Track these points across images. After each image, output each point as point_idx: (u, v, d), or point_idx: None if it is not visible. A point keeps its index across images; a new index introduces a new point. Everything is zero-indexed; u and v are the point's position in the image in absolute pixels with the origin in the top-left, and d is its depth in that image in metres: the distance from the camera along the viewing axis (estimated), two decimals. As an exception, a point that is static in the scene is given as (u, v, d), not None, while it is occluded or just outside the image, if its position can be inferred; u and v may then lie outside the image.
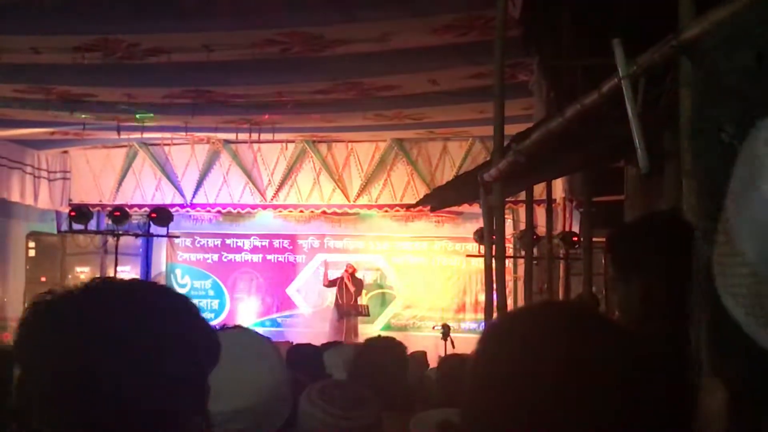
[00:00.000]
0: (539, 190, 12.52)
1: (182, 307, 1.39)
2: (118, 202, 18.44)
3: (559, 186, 14.39)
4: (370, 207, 18.73)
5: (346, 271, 17.51)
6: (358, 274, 17.89)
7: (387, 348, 4.57)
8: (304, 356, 6.08)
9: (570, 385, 1.05)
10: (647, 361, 1.10)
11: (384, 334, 16.40)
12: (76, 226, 15.57)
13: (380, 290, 19.10)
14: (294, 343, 11.34)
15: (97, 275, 18.55)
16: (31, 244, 18.40)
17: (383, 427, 3.21)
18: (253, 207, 19.13)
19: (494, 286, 8.53)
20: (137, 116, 14.13)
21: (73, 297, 1.34)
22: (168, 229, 16.00)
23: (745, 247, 0.77)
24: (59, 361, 1.27)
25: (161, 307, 1.36)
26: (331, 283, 17.49)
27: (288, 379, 2.43)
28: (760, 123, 0.79)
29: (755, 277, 0.76)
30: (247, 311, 19.03)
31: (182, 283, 19.26)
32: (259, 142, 17.58)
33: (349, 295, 17.15)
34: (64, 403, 1.27)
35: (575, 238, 13.39)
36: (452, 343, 14.70)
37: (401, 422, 3.98)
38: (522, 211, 14.65)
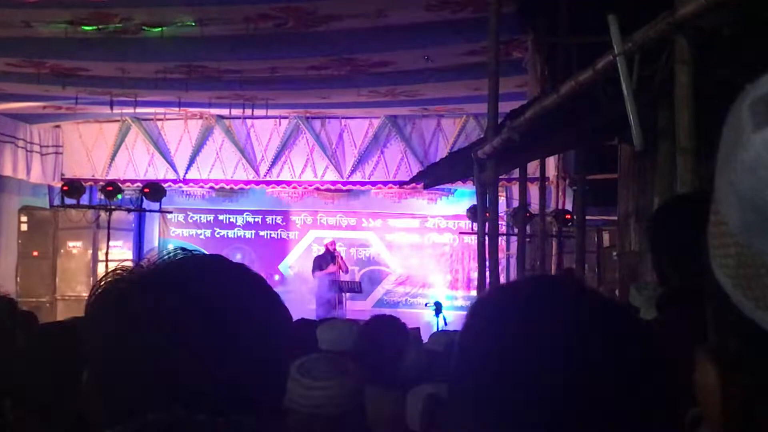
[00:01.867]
0: (533, 167, 12.53)
1: (264, 291, 1.38)
2: (110, 177, 18.39)
3: (552, 164, 14.41)
4: (363, 183, 18.71)
5: (331, 246, 17.41)
6: (344, 250, 17.84)
7: (390, 327, 4.59)
8: (301, 331, 6.10)
9: (556, 358, 1.05)
10: (634, 333, 1.10)
11: (376, 310, 16.47)
12: (69, 201, 15.56)
13: (373, 267, 19.12)
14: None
15: (90, 250, 18.64)
16: (24, 219, 18.36)
17: (375, 400, 3.22)
18: (246, 183, 19.08)
19: (487, 263, 8.57)
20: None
21: (150, 275, 1.32)
22: (161, 205, 16.00)
23: (728, 216, 0.76)
24: (130, 347, 1.25)
25: (251, 290, 1.34)
26: (323, 262, 17.39)
27: None
28: (748, 86, 0.78)
29: (738, 247, 0.75)
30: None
31: (175, 259, 19.18)
32: (252, 117, 17.54)
33: (336, 271, 17.12)
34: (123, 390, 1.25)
35: (568, 216, 13.41)
36: (444, 319, 14.73)
37: (397, 399, 3.99)
38: (515, 188, 14.67)
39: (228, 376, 1.24)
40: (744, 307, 0.76)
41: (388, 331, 4.53)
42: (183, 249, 1.38)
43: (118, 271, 1.32)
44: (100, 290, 1.31)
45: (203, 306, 1.26)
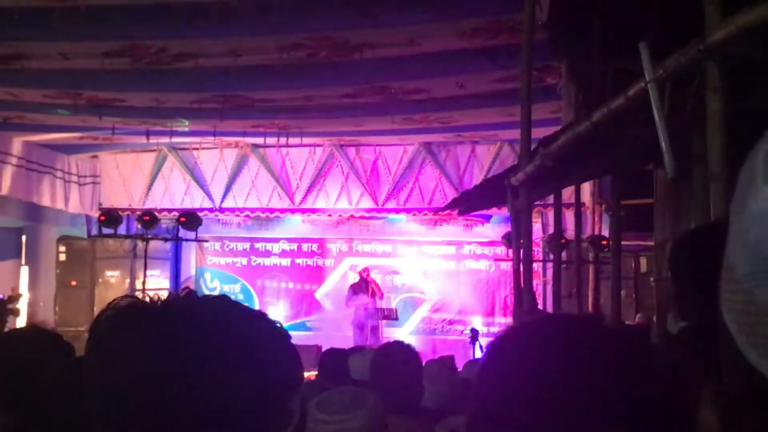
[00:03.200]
0: (568, 193, 12.47)
1: (267, 332, 1.37)
2: (147, 206, 18.55)
3: (587, 189, 14.33)
4: (398, 211, 18.71)
5: (365, 273, 17.41)
6: (380, 277, 17.83)
7: (399, 353, 4.58)
8: (332, 361, 6.10)
9: (570, 399, 1.04)
10: (649, 372, 1.09)
11: (412, 338, 16.42)
12: (106, 231, 15.67)
13: (409, 294, 19.07)
14: (321, 348, 11.36)
15: (127, 279, 18.76)
16: (62, 248, 18.53)
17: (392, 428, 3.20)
18: (282, 211, 19.16)
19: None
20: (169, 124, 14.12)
21: (152, 308, 1.32)
22: (197, 233, 16.08)
23: (736, 263, 0.77)
24: (124, 373, 1.26)
25: (245, 330, 1.34)
26: (357, 290, 17.38)
27: None
28: (766, 134, 0.77)
29: (744, 294, 0.76)
30: (275, 315, 19.03)
31: (211, 287, 19.34)
32: (287, 146, 17.62)
33: (371, 298, 17.09)
34: (121, 418, 1.26)
35: (604, 242, 13.31)
36: (481, 347, 14.65)
37: (418, 428, 3.97)
38: (551, 214, 14.60)
39: (224, 409, 1.25)
40: (747, 353, 0.76)
41: (399, 357, 4.52)
42: (191, 290, 1.38)
43: (118, 305, 1.32)
44: (100, 323, 1.32)
45: (199, 343, 1.27)
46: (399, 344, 4.80)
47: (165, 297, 1.34)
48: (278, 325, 1.41)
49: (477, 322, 17.46)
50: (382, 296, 17.42)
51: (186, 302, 1.34)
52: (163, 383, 1.23)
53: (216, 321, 1.31)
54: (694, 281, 2.58)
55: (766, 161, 0.75)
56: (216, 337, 1.28)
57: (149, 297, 1.33)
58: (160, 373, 1.23)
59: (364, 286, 17.17)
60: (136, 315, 1.31)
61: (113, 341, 1.30)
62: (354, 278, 17.95)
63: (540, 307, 16.28)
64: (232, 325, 1.32)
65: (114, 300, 1.35)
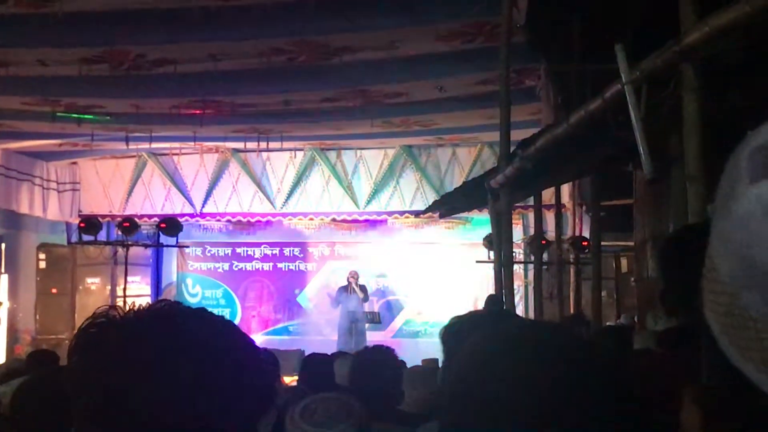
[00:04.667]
0: (548, 194, 12.50)
1: (239, 346, 1.37)
2: (127, 212, 18.47)
3: (567, 191, 14.36)
4: (379, 214, 18.71)
5: (352, 277, 17.38)
6: (362, 281, 17.78)
7: (379, 358, 4.57)
8: (315, 366, 6.09)
9: (538, 407, 1.05)
10: (619, 383, 1.09)
11: (396, 341, 16.41)
12: (86, 237, 15.60)
13: (391, 297, 19.07)
14: (304, 352, 11.35)
15: (108, 286, 18.70)
16: (42, 256, 18.44)
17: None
18: (263, 215, 19.12)
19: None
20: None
21: (131, 322, 1.32)
22: (178, 239, 16.04)
23: (719, 265, 0.77)
24: (99, 388, 1.27)
25: (218, 343, 1.33)
26: (340, 294, 17.37)
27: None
28: (750, 133, 0.77)
29: (728, 296, 0.76)
30: (258, 319, 19.05)
31: (193, 293, 19.29)
32: (267, 150, 17.58)
33: (358, 301, 17.07)
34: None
35: (585, 243, 13.35)
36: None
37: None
38: (532, 215, 14.64)
39: (195, 422, 1.25)
40: (730, 354, 0.77)
41: (378, 362, 4.51)
42: (166, 300, 1.39)
43: (96, 320, 1.32)
44: (79, 337, 1.32)
45: (173, 354, 1.27)
46: (378, 348, 4.79)
47: (141, 310, 1.34)
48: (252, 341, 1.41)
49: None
50: (366, 299, 17.40)
51: (162, 318, 1.34)
52: (129, 399, 1.24)
53: (193, 336, 1.31)
54: (683, 279, 2.59)
55: (750, 161, 0.74)
56: (190, 353, 1.28)
57: (124, 310, 1.34)
58: (125, 390, 1.24)
59: (351, 289, 17.16)
60: (108, 332, 1.31)
61: (85, 359, 1.30)
62: (340, 282, 17.92)
63: (522, 309, 16.33)
64: (206, 341, 1.32)
65: (93, 314, 1.35)
